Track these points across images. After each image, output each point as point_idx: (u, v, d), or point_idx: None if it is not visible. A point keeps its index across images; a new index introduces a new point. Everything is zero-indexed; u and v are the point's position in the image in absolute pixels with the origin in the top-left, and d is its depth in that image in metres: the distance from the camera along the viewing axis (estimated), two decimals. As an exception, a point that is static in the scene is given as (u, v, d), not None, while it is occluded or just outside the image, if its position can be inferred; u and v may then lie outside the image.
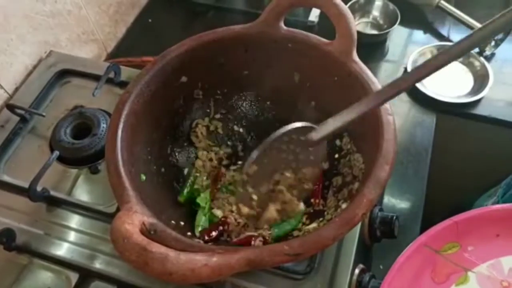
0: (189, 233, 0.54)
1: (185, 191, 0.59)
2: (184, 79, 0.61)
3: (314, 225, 0.53)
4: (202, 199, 0.58)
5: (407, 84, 0.45)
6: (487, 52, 0.88)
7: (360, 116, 0.47)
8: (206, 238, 0.54)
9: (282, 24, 0.59)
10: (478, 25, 0.89)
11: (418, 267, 0.50)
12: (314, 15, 0.95)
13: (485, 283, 0.49)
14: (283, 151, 0.53)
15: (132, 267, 0.39)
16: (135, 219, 0.42)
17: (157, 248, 0.38)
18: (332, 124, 0.49)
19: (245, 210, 0.55)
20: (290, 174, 0.54)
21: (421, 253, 0.50)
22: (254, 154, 0.52)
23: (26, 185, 0.60)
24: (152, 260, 0.37)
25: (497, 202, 0.79)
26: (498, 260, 0.50)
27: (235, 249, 0.41)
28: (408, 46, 0.94)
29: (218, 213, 0.57)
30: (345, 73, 0.55)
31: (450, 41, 0.93)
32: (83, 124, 0.69)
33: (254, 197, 0.55)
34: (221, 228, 0.55)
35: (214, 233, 0.54)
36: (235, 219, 0.56)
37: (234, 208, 0.57)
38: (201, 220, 0.56)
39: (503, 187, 0.81)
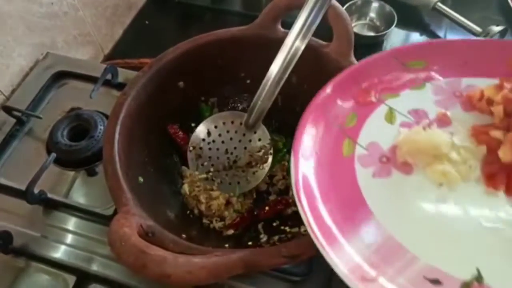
0: (184, 235, 0.54)
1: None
2: (181, 81, 0.61)
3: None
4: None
5: None
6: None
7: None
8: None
9: (279, 26, 0.60)
10: (474, 26, 0.89)
11: (380, 73, 0.52)
12: (311, 16, 0.95)
13: (439, 92, 0.51)
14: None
15: (130, 270, 0.39)
16: (133, 221, 0.42)
17: (154, 250, 0.38)
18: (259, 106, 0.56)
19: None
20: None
21: (387, 63, 0.52)
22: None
23: (23, 187, 0.60)
24: (150, 263, 0.37)
25: None
26: (459, 79, 0.52)
27: (232, 251, 0.41)
28: (405, 48, 0.94)
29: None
30: (342, 75, 0.55)
31: (447, 42, 0.94)
32: (80, 126, 0.69)
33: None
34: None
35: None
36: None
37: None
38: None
39: None
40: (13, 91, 0.76)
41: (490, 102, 0.47)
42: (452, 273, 0.37)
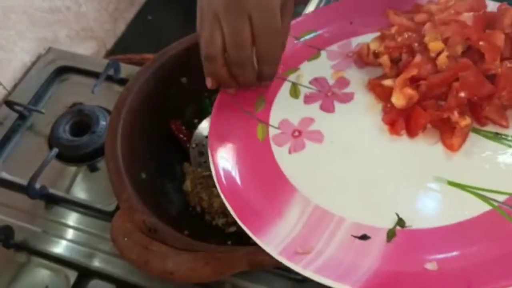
0: (186, 232, 0.53)
1: None
2: (184, 77, 0.61)
3: None
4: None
5: None
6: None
7: None
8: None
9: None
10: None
11: None
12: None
13: (333, 57, 0.53)
14: None
15: (132, 266, 0.38)
16: (135, 217, 0.42)
17: (157, 247, 0.38)
18: None
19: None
20: None
21: None
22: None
23: (24, 182, 0.60)
24: (152, 259, 0.37)
25: None
26: (349, 40, 0.54)
27: (236, 249, 0.41)
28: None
29: None
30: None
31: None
32: (82, 122, 0.68)
33: None
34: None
35: None
36: None
37: None
38: None
39: None
40: (15, 86, 0.75)
41: (376, 55, 0.49)
42: (377, 225, 0.38)
